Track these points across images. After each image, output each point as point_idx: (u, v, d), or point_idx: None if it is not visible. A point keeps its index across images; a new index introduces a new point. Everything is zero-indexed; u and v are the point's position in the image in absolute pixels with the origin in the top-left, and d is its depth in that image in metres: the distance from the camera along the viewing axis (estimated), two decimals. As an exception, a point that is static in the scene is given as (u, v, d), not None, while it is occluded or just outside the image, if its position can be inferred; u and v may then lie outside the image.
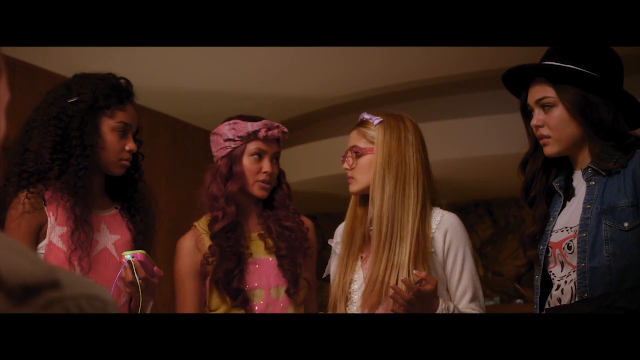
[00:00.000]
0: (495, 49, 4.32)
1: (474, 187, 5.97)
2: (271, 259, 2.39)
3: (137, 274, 2.04)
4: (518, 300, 6.06)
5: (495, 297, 6.16)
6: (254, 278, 2.35)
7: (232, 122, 2.41)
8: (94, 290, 0.67)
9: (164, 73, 4.84)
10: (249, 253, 2.37)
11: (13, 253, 0.64)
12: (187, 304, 2.32)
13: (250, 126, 2.37)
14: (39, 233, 2.16)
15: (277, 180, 2.46)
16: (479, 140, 5.02)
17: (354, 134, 2.34)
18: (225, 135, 2.39)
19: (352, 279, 2.26)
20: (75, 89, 2.21)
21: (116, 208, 2.31)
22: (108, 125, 2.21)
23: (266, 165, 2.38)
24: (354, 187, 2.31)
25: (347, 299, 2.26)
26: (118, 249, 2.23)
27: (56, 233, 2.15)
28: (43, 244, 2.15)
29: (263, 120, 2.41)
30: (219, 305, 2.33)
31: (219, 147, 2.41)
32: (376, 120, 2.30)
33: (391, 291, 2.07)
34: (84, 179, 2.15)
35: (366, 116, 2.34)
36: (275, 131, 2.40)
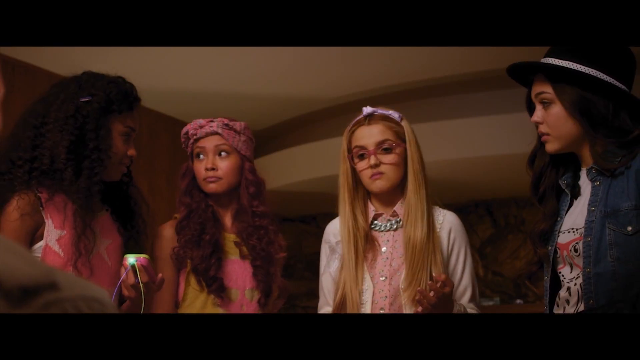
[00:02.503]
0: (496, 49, 4.31)
1: (474, 187, 5.97)
2: (247, 261, 2.43)
3: (140, 278, 2.01)
4: (518, 301, 6.06)
5: (495, 297, 6.16)
6: (231, 277, 2.38)
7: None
8: (92, 292, 0.67)
9: (164, 73, 4.83)
10: (223, 240, 2.42)
11: (10, 254, 0.64)
12: (163, 293, 2.32)
13: (184, 129, 2.46)
14: (34, 235, 2.10)
15: (240, 174, 2.46)
16: (479, 141, 5.02)
17: (379, 128, 2.27)
18: (183, 144, 2.52)
19: (360, 282, 2.25)
20: (86, 88, 2.16)
21: (107, 210, 2.27)
22: (117, 130, 2.18)
23: (207, 162, 2.43)
24: (385, 184, 2.26)
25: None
26: (110, 254, 2.19)
27: (53, 237, 2.09)
28: (39, 246, 2.10)
29: (194, 120, 2.47)
30: (193, 300, 2.34)
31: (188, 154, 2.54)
32: (397, 114, 2.30)
33: (418, 295, 2.08)
34: (99, 185, 2.12)
35: (383, 111, 2.30)
36: (207, 128, 2.44)
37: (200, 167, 2.43)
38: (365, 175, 2.27)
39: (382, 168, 2.25)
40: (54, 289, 0.64)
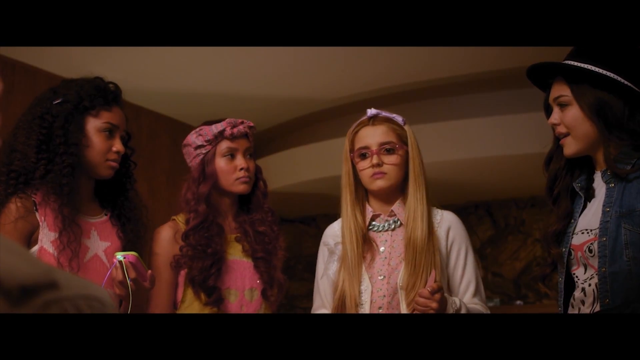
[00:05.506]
0: (497, 50, 4.32)
1: (474, 188, 5.97)
2: (247, 261, 2.42)
3: (127, 275, 2.03)
4: (518, 302, 6.06)
5: (495, 298, 6.16)
6: (230, 278, 2.38)
7: (197, 129, 2.46)
8: (92, 291, 0.67)
9: (164, 74, 4.84)
10: (224, 251, 2.40)
11: (11, 254, 0.64)
12: (161, 294, 2.32)
13: (215, 128, 2.42)
14: (30, 239, 2.13)
15: (255, 176, 2.48)
16: (479, 142, 5.02)
17: (382, 129, 2.30)
18: (194, 143, 2.44)
19: (359, 282, 2.26)
20: (61, 92, 2.21)
21: (106, 215, 2.29)
22: (94, 126, 2.19)
23: (240, 161, 2.41)
24: (385, 183, 2.27)
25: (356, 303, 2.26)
26: (109, 256, 2.21)
27: (48, 238, 2.12)
28: (35, 250, 2.12)
29: (227, 119, 2.43)
30: (192, 302, 2.34)
31: (192, 156, 2.46)
32: (400, 118, 2.32)
33: (421, 300, 2.09)
34: (69, 177, 2.13)
35: (387, 114, 2.34)
36: (241, 127, 2.44)
37: (230, 168, 2.41)
38: (366, 175, 2.30)
39: (384, 168, 2.28)
40: (53, 288, 0.64)
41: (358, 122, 2.36)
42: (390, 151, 2.29)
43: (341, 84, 5.13)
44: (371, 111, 2.33)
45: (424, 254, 2.21)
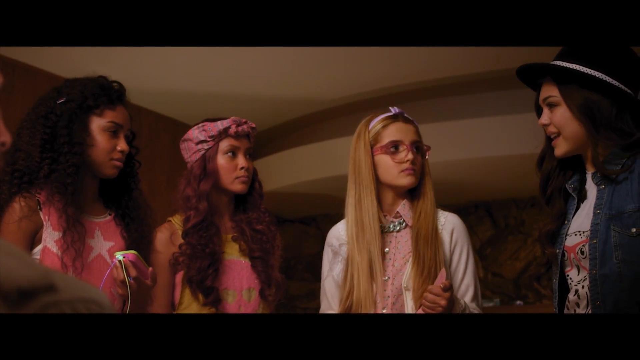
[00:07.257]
0: (497, 50, 4.32)
1: (474, 188, 5.97)
2: (244, 261, 2.42)
3: (127, 274, 2.03)
4: (518, 302, 6.06)
5: (495, 298, 6.16)
6: (227, 279, 2.37)
7: (200, 125, 2.45)
8: (90, 294, 0.67)
9: (165, 74, 4.84)
10: (222, 252, 2.39)
11: (8, 257, 0.64)
12: (158, 296, 2.32)
13: (220, 124, 2.41)
14: (34, 238, 2.13)
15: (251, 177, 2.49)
16: (479, 142, 5.02)
17: (412, 128, 2.32)
18: (196, 138, 2.43)
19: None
20: (65, 92, 2.20)
21: (110, 214, 2.29)
22: (98, 125, 2.19)
23: (242, 161, 2.42)
24: (414, 180, 2.28)
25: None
26: (112, 257, 2.19)
27: (52, 238, 2.12)
28: (38, 249, 2.12)
29: (232, 117, 2.43)
30: (190, 303, 2.34)
31: (192, 151, 2.45)
32: (416, 123, 2.36)
33: (430, 296, 2.09)
34: (73, 177, 2.12)
35: (408, 116, 2.36)
36: (245, 126, 2.45)
37: (231, 166, 2.41)
38: (396, 169, 2.28)
39: (416, 166, 2.28)
40: (51, 291, 0.64)
41: (382, 117, 2.34)
42: (419, 150, 2.30)
43: (341, 84, 5.13)
44: (397, 109, 2.35)
45: (431, 251, 2.22)
